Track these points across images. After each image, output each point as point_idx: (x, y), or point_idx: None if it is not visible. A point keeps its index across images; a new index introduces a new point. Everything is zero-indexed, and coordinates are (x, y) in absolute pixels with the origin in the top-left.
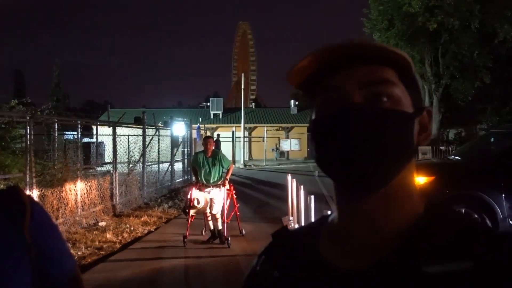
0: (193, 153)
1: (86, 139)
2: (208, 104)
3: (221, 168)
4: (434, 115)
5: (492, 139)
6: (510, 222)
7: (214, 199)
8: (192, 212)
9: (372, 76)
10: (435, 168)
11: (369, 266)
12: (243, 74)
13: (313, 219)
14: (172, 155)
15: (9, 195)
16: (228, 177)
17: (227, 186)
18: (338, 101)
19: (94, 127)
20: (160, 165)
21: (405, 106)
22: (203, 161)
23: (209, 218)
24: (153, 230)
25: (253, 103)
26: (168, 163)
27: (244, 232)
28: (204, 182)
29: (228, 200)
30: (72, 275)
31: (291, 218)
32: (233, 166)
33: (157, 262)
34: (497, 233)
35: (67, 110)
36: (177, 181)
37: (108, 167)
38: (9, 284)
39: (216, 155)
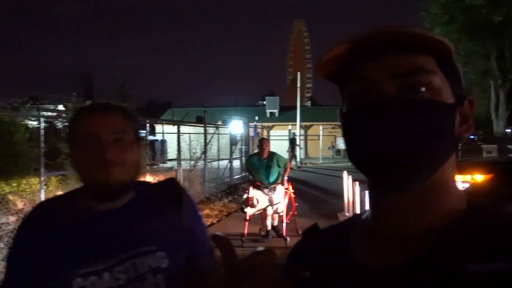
0: (250, 152)
1: (150, 137)
2: (264, 102)
3: (277, 169)
4: (500, 112)
5: None
6: None
7: (274, 198)
8: (250, 211)
9: (408, 65)
10: (495, 165)
11: (405, 265)
12: (298, 73)
13: None
14: (231, 152)
15: (168, 185)
16: (286, 176)
17: (286, 185)
18: (370, 93)
19: (156, 126)
20: (219, 162)
21: (445, 96)
22: (257, 164)
23: (267, 217)
24: (215, 222)
25: (309, 101)
26: (227, 160)
27: (301, 232)
28: (262, 183)
29: (286, 199)
30: (212, 256)
31: (347, 213)
32: (290, 164)
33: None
34: None
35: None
36: (235, 177)
37: (171, 164)
38: (177, 264)
39: (271, 157)
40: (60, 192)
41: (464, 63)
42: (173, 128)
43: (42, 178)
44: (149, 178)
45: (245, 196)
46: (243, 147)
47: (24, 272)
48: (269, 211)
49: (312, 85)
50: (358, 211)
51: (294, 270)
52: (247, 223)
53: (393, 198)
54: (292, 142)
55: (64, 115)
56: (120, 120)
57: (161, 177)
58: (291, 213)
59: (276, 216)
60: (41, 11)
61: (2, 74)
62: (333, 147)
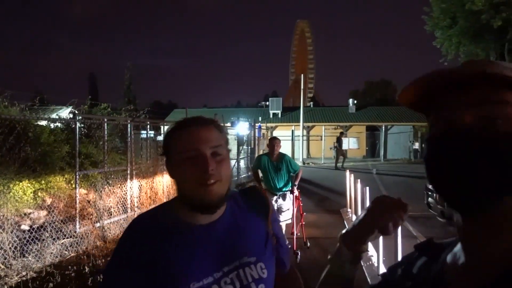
0: (255, 152)
1: (159, 138)
2: (267, 103)
3: (287, 174)
4: None
5: None
6: None
7: (283, 207)
8: None
9: (487, 96)
10: None
11: None
12: (302, 74)
13: None
14: (238, 152)
15: (253, 193)
16: (297, 182)
17: (296, 193)
18: (451, 122)
19: (162, 127)
20: None
21: None
22: (267, 165)
23: None
24: None
25: (311, 102)
26: (235, 160)
27: (309, 244)
28: (269, 189)
29: (295, 208)
30: (291, 260)
31: (349, 210)
32: (301, 170)
33: None
34: None
35: (137, 111)
36: (242, 176)
37: None
38: (271, 269)
39: (282, 159)
40: (83, 190)
41: None
42: None
43: (77, 176)
44: (167, 177)
45: None
46: (249, 147)
47: (129, 285)
48: (280, 219)
49: (314, 85)
50: (359, 208)
51: (400, 277)
52: None
53: (472, 223)
54: (339, 140)
55: (109, 119)
56: (215, 134)
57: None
58: (300, 224)
59: (284, 225)
60: (41, 10)
61: (6, 74)
62: (336, 147)
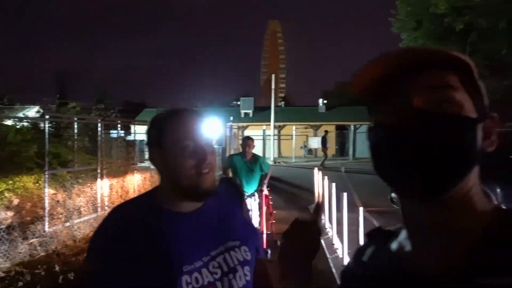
0: (226, 151)
1: (129, 137)
2: (239, 103)
3: (259, 174)
4: None
5: None
6: None
7: (251, 211)
8: None
9: (434, 81)
10: None
11: (432, 276)
12: (273, 75)
13: (334, 206)
14: None
15: (228, 184)
16: (266, 181)
17: (266, 191)
18: (401, 107)
19: (132, 126)
20: None
21: (467, 112)
22: (240, 166)
23: None
24: None
25: (282, 102)
26: None
27: (279, 242)
28: None
29: (265, 207)
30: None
31: None
32: (271, 170)
33: None
34: None
35: (107, 110)
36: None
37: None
38: (252, 252)
39: (256, 160)
40: (52, 190)
41: None
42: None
43: (46, 176)
44: (138, 176)
45: None
46: (219, 147)
47: (118, 272)
48: None
49: (285, 85)
50: (327, 204)
51: (351, 266)
52: None
53: (425, 209)
54: (324, 140)
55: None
56: (206, 126)
57: (147, 175)
58: (270, 222)
59: None
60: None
61: None
62: (305, 146)
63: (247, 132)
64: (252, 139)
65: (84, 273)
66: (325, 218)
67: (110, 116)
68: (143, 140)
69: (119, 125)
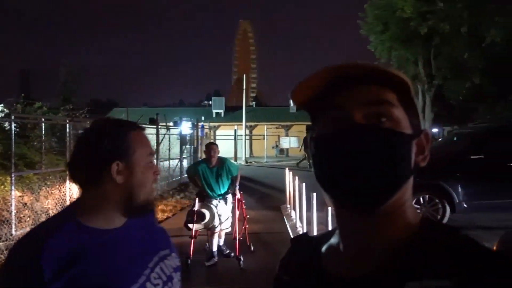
0: (198, 151)
1: None
2: (210, 102)
3: (228, 179)
4: (426, 114)
5: (455, 138)
6: (465, 205)
7: (222, 216)
8: (196, 227)
9: (373, 97)
10: None
11: (358, 279)
12: (244, 75)
13: (305, 206)
14: (181, 152)
15: None
16: (237, 183)
17: (238, 195)
18: (340, 120)
19: None
20: (170, 161)
21: (403, 128)
22: (206, 173)
23: (214, 234)
24: (170, 216)
25: (253, 102)
26: (178, 160)
27: (253, 248)
28: (210, 194)
29: (238, 211)
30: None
31: (288, 206)
32: (240, 172)
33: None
34: (486, 251)
35: (74, 110)
36: (184, 175)
37: None
38: (180, 261)
39: (222, 164)
40: (18, 193)
41: (396, 68)
42: None
43: (13, 178)
44: None
45: (192, 209)
46: (191, 146)
47: None
48: (217, 227)
49: (256, 85)
50: (297, 204)
51: (278, 275)
52: (193, 241)
53: (358, 218)
54: (305, 142)
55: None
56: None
57: None
58: (243, 227)
59: (223, 233)
60: None
61: None
62: (277, 146)
63: (218, 132)
64: (216, 145)
65: None
66: (296, 217)
67: (78, 116)
68: None
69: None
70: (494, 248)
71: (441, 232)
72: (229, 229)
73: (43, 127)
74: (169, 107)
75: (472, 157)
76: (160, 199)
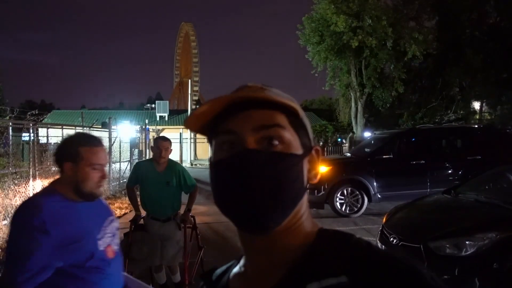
0: (144, 154)
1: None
2: (154, 105)
3: (178, 191)
4: (358, 119)
5: (372, 141)
6: (379, 196)
7: (168, 246)
8: (134, 268)
9: (265, 121)
10: (333, 161)
11: None
12: (188, 78)
13: None
14: (131, 154)
15: None
16: (191, 206)
17: (191, 220)
18: (233, 145)
19: (40, 130)
20: (117, 163)
21: (294, 148)
22: (149, 177)
23: (162, 271)
24: (128, 212)
25: (196, 105)
26: (127, 162)
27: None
28: (151, 213)
29: (191, 242)
30: None
31: None
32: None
33: None
34: (375, 250)
35: (4, 111)
36: None
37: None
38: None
39: (172, 169)
40: None
41: (331, 77)
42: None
43: None
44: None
45: (126, 240)
46: (136, 150)
47: (52, 246)
48: (166, 262)
49: (198, 88)
50: None
51: None
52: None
53: (256, 238)
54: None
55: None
56: (103, 149)
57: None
58: (198, 258)
59: (177, 270)
60: None
61: None
62: None
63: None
64: (169, 140)
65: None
66: None
67: (11, 118)
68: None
69: (31, 128)
70: (384, 221)
71: (337, 239)
72: (180, 259)
73: None
74: (108, 109)
75: (383, 156)
76: (114, 199)
